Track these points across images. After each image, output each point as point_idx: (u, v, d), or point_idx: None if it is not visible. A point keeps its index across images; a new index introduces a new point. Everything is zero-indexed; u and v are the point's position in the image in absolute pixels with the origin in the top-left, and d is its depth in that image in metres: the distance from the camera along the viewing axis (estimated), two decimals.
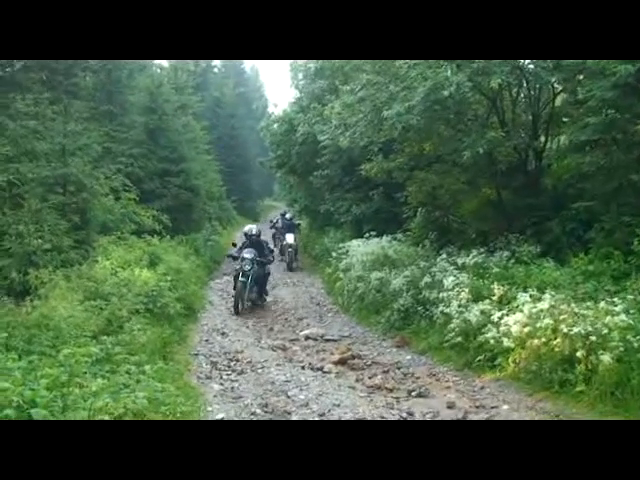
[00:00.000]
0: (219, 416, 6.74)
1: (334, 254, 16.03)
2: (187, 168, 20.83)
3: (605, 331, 6.80)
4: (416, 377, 8.64)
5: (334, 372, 8.91)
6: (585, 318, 7.13)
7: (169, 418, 5.37)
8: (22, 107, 12.00)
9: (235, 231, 28.22)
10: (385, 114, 11.11)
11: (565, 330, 7.08)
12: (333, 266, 16.03)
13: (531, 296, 8.17)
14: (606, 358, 6.53)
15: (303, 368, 9.14)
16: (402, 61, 10.94)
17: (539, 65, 10.58)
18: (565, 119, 12.87)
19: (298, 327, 12.51)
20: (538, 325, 7.49)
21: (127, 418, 4.82)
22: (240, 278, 13.48)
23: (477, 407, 7.17)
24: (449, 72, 10.22)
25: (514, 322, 7.83)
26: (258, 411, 7.04)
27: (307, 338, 11.38)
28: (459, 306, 9.37)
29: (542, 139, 12.61)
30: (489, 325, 8.40)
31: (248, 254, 13.83)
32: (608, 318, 6.97)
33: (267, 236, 23.26)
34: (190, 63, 36.48)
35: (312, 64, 23.48)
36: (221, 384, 8.21)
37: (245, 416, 6.86)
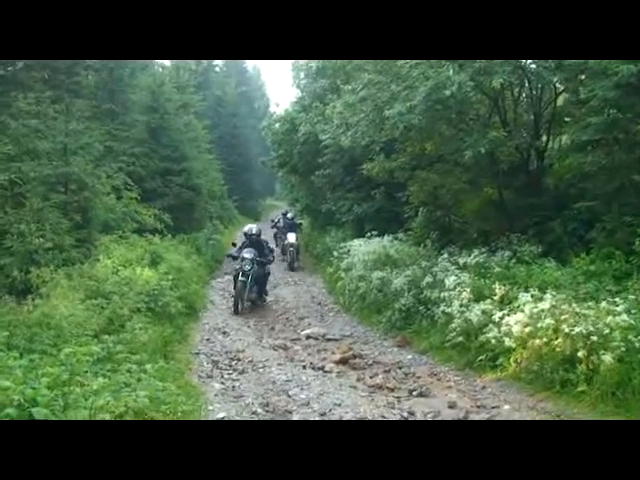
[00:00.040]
0: (220, 415, 6.73)
1: (335, 253, 16.03)
2: (189, 167, 20.84)
3: (606, 331, 6.80)
4: (417, 377, 8.64)
5: (335, 371, 8.90)
6: (586, 318, 7.13)
7: (170, 417, 5.38)
8: (24, 106, 12.02)
9: (236, 230, 28.19)
10: (387, 113, 11.11)
11: (566, 330, 7.07)
12: (334, 265, 16.03)
13: (532, 296, 8.17)
14: (607, 358, 6.53)
15: (304, 367, 9.14)
16: (404, 61, 10.93)
17: (541, 65, 10.57)
18: (567, 119, 12.86)
19: (299, 326, 12.50)
20: (539, 325, 7.49)
21: (128, 417, 4.83)
22: (240, 278, 13.41)
23: (478, 407, 7.17)
24: (451, 72, 10.21)
25: (515, 322, 7.83)
26: (259, 410, 7.04)
27: (308, 337, 11.38)
28: (460, 306, 9.36)
29: (544, 139, 12.59)
30: (490, 325, 8.39)
31: (248, 254, 13.76)
32: (609, 318, 6.96)
33: (268, 236, 23.29)
34: (192, 62, 36.42)
35: (314, 63, 23.48)
36: (222, 383, 8.21)
37: (246, 415, 6.86)
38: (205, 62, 42.15)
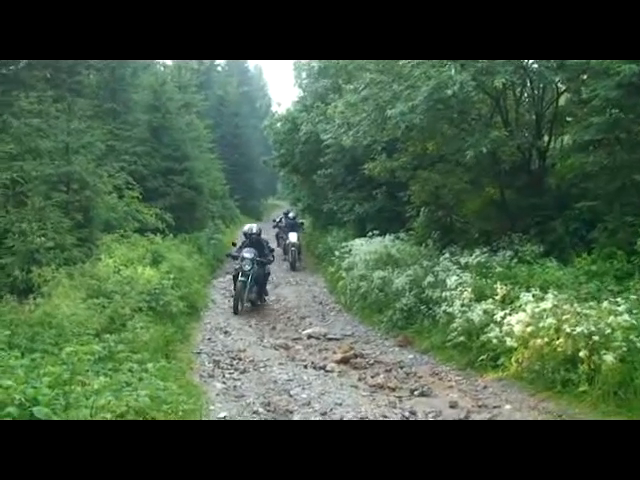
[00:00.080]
0: (221, 415, 6.74)
1: (337, 253, 16.01)
2: (190, 166, 20.83)
3: (608, 331, 6.79)
4: (419, 376, 8.64)
5: (336, 371, 8.90)
6: (588, 318, 7.12)
7: (171, 416, 5.38)
8: (26, 105, 12.04)
9: (238, 230, 28.14)
10: (388, 113, 11.10)
11: (568, 330, 7.07)
12: (336, 265, 16.02)
13: (534, 296, 8.16)
14: (609, 358, 6.52)
15: (305, 367, 9.14)
16: (406, 60, 10.92)
17: (543, 65, 10.57)
18: (569, 119, 12.85)
19: (301, 326, 12.50)
20: (541, 325, 7.48)
21: (129, 416, 4.83)
22: (240, 278, 13.31)
23: (479, 407, 7.17)
24: (453, 71, 10.21)
25: (517, 322, 7.82)
26: (260, 410, 7.04)
27: (310, 337, 11.38)
28: (462, 305, 9.36)
29: (546, 139, 12.59)
30: (492, 325, 8.39)
31: (248, 253, 13.65)
32: (611, 318, 6.95)
33: (270, 235, 23.28)
34: (194, 62, 36.41)
35: (316, 63, 23.51)
36: (223, 383, 8.21)
37: (247, 415, 6.86)
38: (207, 62, 42.10)
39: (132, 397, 5.08)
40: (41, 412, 4.14)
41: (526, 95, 13.48)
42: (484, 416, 6.80)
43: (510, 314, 8.13)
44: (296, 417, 6.83)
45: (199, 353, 9.81)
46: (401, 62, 11.27)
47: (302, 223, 23.54)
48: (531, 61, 10.93)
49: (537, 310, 7.73)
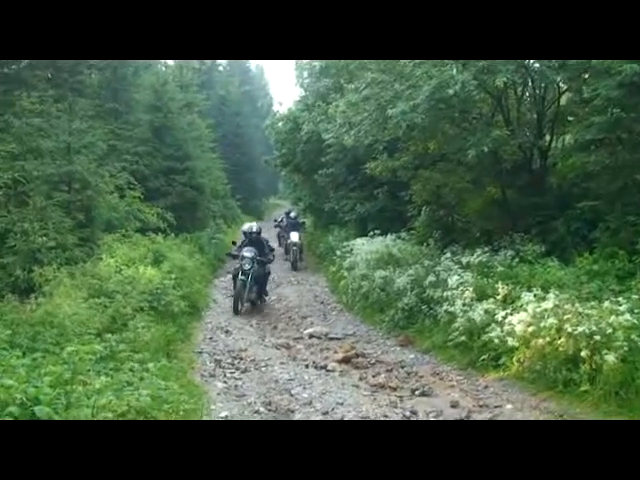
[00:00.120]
0: (223, 414, 6.74)
1: (338, 252, 16.00)
2: (192, 166, 20.83)
3: (609, 331, 6.78)
4: (420, 376, 8.63)
5: (338, 371, 8.91)
6: (589, 318, 7.11)
7: (172, 416, 5.39)
8: (27, 105, 12.04)
9: (239, 229, 28.17)
10: (390, 113, 11.09)
11: (569, 330, 7.06)
12: (337, 264, 16.02)
13: (535, 295, 8.16)
14: (610, 358, 6.52)
15: (307, 366, 9.14)
16: (407, 60, 10.92)
17: (544, 64, 10.56)
18: (570, 118, 12.85)
19: (302, 325, 12.50)
20: (542, 324, 7.47)
21: (130, 416, 4.83)
22: (240, 277, 13.19)
23: (481, 406, 7.16)
24: (454, 71, 10.22)
25: (518, 321, 7.82)
26: (262, 409, 7.05)
27: (311, 336, 11.38)
28: (463, 305, 9.35)
29: (547, 138, 12.59)
30: (493, 324, 8.38)
31: (248, 252, 13.55)
32: (612, 318, 6.94)
33: (271, 235, 23.30)
34: (195, 61, 36.42)
35: (317, 63, 23.50)
36: (225, 382, 8.22)
37: (248, 414, 6.87)
38: (208, 61, 42.11)
39: (133, 397, 5.08)
40: (42, 411, 4.15)
41: (527, 94, 13.47)
42: (485, 416, 6.79)
43: (511, 314, 8.13)
44: (297, 416, 6.83)
45: (200, 352, 9.81)
46: (402, 62, 11.28)
47: (303, 222, 23.52)
48: (532, 60, 10.91)
49: (538, 310, 7.72)
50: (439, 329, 10.05)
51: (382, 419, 6.67)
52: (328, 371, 8.88)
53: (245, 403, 7.27)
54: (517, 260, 10.55)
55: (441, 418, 6.82)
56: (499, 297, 8.96)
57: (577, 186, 11.63)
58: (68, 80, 15.31)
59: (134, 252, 13.03)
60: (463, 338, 9.01)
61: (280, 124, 25.55)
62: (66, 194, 11.40)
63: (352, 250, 14.81)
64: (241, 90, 46.46)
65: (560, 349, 7.16)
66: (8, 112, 11.69)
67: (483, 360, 8.43)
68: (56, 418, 4.19)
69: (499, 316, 8.27)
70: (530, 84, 12.61)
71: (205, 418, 6.33)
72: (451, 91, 10.05)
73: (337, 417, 6.74)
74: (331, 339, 11.20)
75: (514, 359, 7.84)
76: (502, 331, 8.08)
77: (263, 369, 8.93)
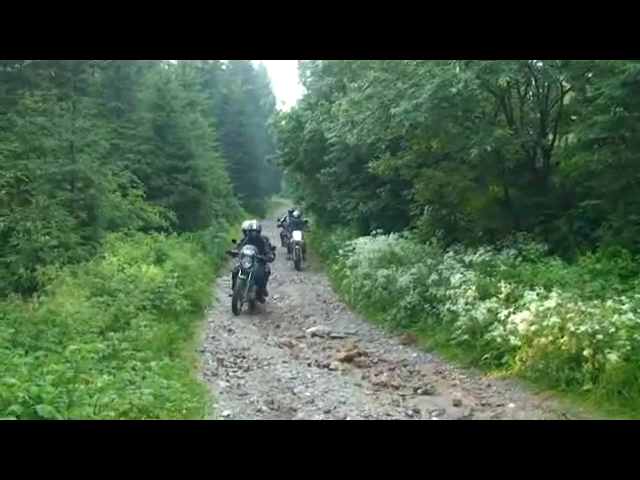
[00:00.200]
0: (225, 413, 6.74)
1: (341, 251, 15.99)
2: (194, 165, 20.84)
3: (612, 330, 6.77)
4: (422, 375, 8.63)
5: (340, 369, 8.91)
6: (592, 316, 7.10)
7: (174, 414, 5.39)
8: (30, 103, 12.07)
9: (241, 228, 28.20)
10: (392, 111, 11.08)
11: (572, 328, 7.05)
12: (340, 263, 16.01)
13: (538, 294, 8.14)
14: (613, 357, 6.51)
15: (309, 365, 9.14)
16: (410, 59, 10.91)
17: (547, 63, 10.52)
18: (573, 117, 12.82)
19: (304, 324, 12.50)
20: (545, 323, 7.47)
21: (132, 414, 4.84)
22: (239, 275, 12.97)
23: (483, 405, 7.16)
24: (457, 70, 10.20)
25: (521, 320, 7.81)
26: (264, 408, 7.05)
27: (313, 335, 11.38)
28: (466, 304, 9.35)
29: (550, 137, 12.58)
30: (496, 323, 8.38)
31: (248, 250, 13.32)
32: (615, 317, 6.93)
33: (274, 233, 23.29)
34: (198, 60, 36.43)
35: (320, 61, 23.44)
36: (227, 381, 8.22)
37: (251, 412, 6.87)
38: (211, 60, 42.15)
39: (135, 395, 5.09)
40: (44, 410, 4.15)
41: (531, 93, 13.47)
42: (488, 414, 6.79)
43: (514, 313, 8.12)
44: (300, 415, 6.83)
45: (203, 351, 9.82)
46: (405, 60, 11.25)
47: (306, 221, 23.49)
48: (536, 59, 10.89)
49: (541, 309, 7.72)
50: (442, 328, 10.05)
51: (384, 419, 6.67)
52: (330, 370, 8.89)
53: (247, 402, 7.28)
54: (520, 259, 10.54)
55: (444, 417, 6.82)
56: (502, 296, 8.96)
57: (580, 185, 11.61)
58: (71, 79, 15.32)
59: (137, 251, 13.05)
60: (466, 337, 9.00)
61: (283, 123, 25.56)
62: (69, 193, 11.41)
63: (354, 249, 14.81)
64: (244, 89, 46.46)
65: (563, 348, 7.16)
66: (11, 111, 11.70)
67: (486, 359, 8.42)
68: (58, 416, 4.19)
69: (502, 315, 8.27)
70: (533, 83, 12.59)
71: (207, 417, 6.34)
72: (454, 90, 10.03)
73: (339, 416, 6.74)
74: (333, 338, 11.20)
75: (517, 358, 7.83)
76: (505, 330, 8.07)
77: (265, 368, 8.93)
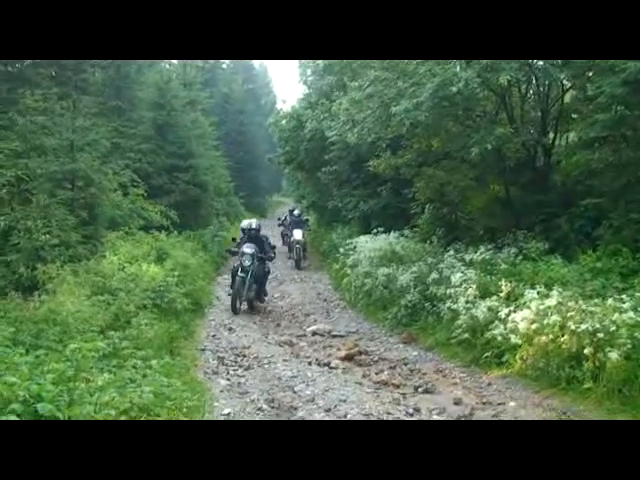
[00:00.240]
0: (226, 411, 6.74)
1: (342, 250, 16.00)
2: (195, 164, 20.83)
3: (613, 328, 6.77)
4: (423, 373, 8.63)
5: (341, 368, 8.91)
6: (593, 315, 7.10)
7: (175, 413, 5.39)
8: (31, 102, 12.08)
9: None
10: (393, 110, 11.08)
11: (573, 327, 7.05)
12: (340, 262, 16.01)
13: (539, 293, 8.14)
14: (614, 355, 6.51)
15: (310, 364, 9.15)
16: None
17: (548, 62, 10.52)
18: (574, 115, 12.83)
19: (305, 323, 12.51)
20: (545, 322, 7.46)
21: (133, 413, 4.84)
22: (239, 274, 12.82)
23: (484, 404, 7.16)
24: (458, 68, 10.20)
25: (521, 319, 7.81)
26: (264, 406, 7.05)
27: (314, 334, 11.38)
28: (466, 302, 9.35)
29: (551, 135, 12.57)
30: (496, 322, 8.37)
31: (248, 249, 13.18)
32: (616, 315, 6.93)
33: (275, 232, 23.30)
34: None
35: (320, 61, 23.43)
36: (228, 379, 8.23)
37: (251, 411, 6.87)
38: (212, 60, 42.16)
39: (136, 394, 5.10)
40: (45, 408, 4.15)
41: (531, 92, 13.47)
42: (488, 413, 6.79)
43: (515, 311, 8.12)
44: (300, 413, 6.83)
45: (203, 350, 9.82)
46: (406, 60, 11.25)
47: (307, 220, 23.47)
48: (536, 60, 10.89)
49: (542, 307, 7.71)
50: (442, 326, 10.05)
51: (385, 417, 6.67)
52: (331, 368, 8.89)
53: (248, 400, 7.28)
54: (520, 257, 10.54)
55: (444, 415, 6.82)
56: (502, 294, 8.96)
57: (581, 183, 11.61)
58: (72, 78, 15.36)
59: (137, 250, 13.05)
60: (466, 335, 9.01)
61: (283, 122, 25.55)
62: (69, 192, 11.42)
63: (355, 248, 14.82)
64: (244, 88, 46.44)
65: (563, 346, 7.16)
66: (12, 110, 11.73)
67: (486, 357, 8.43)
68: (59, 415, 4.20)
69: (502, 313, 8.26)
70: (534, 82, 12.58)
71: (208, 415, 6.34)
72: (454, 89, 10.03)
73: (340, 414, 6.74)
74: (334, 336, 11.21)
75: (517, 356, 7.83)
76: (505, 328, 8.07)
77: (266, 366, 8.93)
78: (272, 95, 63.96)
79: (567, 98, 12.78)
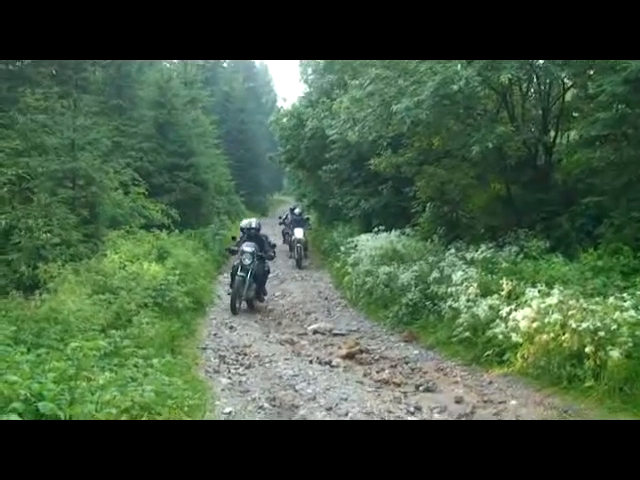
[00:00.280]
0: (227, 410, 6.75)
1: (343, 248, 16.02)
2: (196, 162, 20.82)
3: (614, 327, 6.78)
4: (424, 372, 8.64)
5: (342, 366, 8.91)
6: (594, 313, 7.11)
7: (176, 411, 5.39)
8: (32, 101, 12.06)
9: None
10: (394, 108, 11.07)
11: (574, 325, 7.06)
12: (341, 260, 16.03)
13: (540, 291, 8.14)
14: (615, 354, 6.51)
15: (311, 362, 9.15)
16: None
17: (549, 60, 10.51)
18: (575, 114, 12.84)
19: (306, 321, 12.51)
20: (547, 320, 7.47)
21: (134, 411, 4.84)
22: (239, 273, 12.77)
23: (485, 402, 7.16)
24: (459, 67, 10.19)
25: (522, 317, 7.81)
26: (266, 405, 7.06)
27: (315, 332, 11.39)
28: (467, 301, 9.35)
29: (552, 134, 12.56)
30: (497, 320, 8.37)
31: (248, 247, 13.13)
32: (617, 314, 6.94)
33: (276, 231, 23.29)
34: None
35: None
36: (229, 378, 8.23)
37: (252, 409, 6.87)
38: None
39: (137, 392, 5.09)
40: (46, 407, 4.15)
41: (532, 90, 13.45)
42: (489, 411, 6.80)
43: (516, 310, 8.11)
44: (301, 412, 6.83)
45: (205, 348, 9.83)
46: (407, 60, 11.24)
47: (308, 219, 23.45)
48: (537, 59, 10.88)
49: (543, 306, 7.71)
50: (443, 325, 10.06)
51: (386, 416, 6.67)
52: (332, 367, 8.89)
53: (249, 399, 7.28)
54: (521, 256, 10.53)
55: (445, 413, 6.83)
56: (503, 293, 8.95)
57: (582, 182, 11.61)
58: (72, 77, 15.35)
59: (138, 248, 13.04)
60: (467, 334, 9.01)
61: (284, 120, 25.53)
62: (70, 190, 11.41)
63: (356, 246, 14.83)
64: (245, 86, 46.40)
65: (564, 345, 7.16)
66: (13, 109, 11.72)
67: (487, 356, 8.43)
68: (60, 414, 4.20)
69: (503, 312, 8.26)
70: (535, 80, 12.57)
71: (209, 414, 6.34)
72: (455, 87, 10.03)
73: (341, 412, 6.75)
74: (335, 335, 11.21)
75: (518, 355, 7.83)
76: (506, 327, 8.07)
77: (267, 365, 8.93)
78: (273, 93, 63.94)
79: (568, 96, 12.77)
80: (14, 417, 3.97)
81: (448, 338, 9.59)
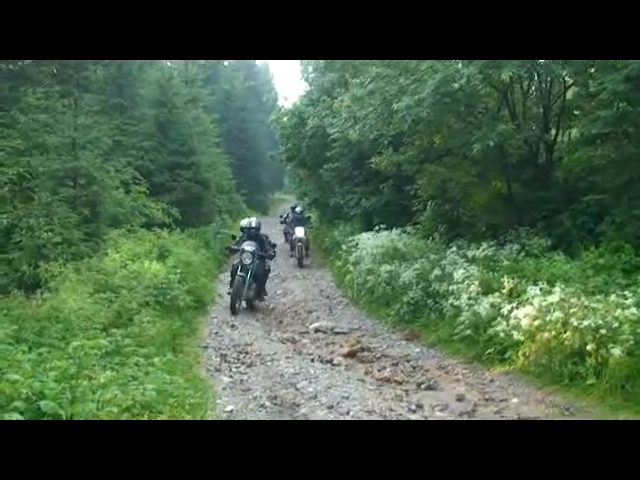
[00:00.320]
0: (228, 408, 6.75)
1: (344, 247, 16.01)
2: (197, 161, 20.84)
3: (615, 324, 6.78)
4: (425, 370, 8.64)
5: (343, 365, 8.91)
6: (595, 311, 7.10)
7: (178, 410, 5.39)
8: (33, 100, 12.07)
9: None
10: (395, 107, 11.07)
11: (575, 323, 7.05)
12: (343, 259, 16.01)
13: (541, 289, 8.14)
14: (616, 351, 6.51)
15: (312, 361, 9.15)
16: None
17: None
18: (576, 112, 12.83)
19: (308, 320, 12.51)
20: (548, 318, 7.46)
21: (135, 410, 4.84)
22: (239, 272, 12.68)
23: (486, 400, 7.16)
24: (460, 65, 10.20)
25: (524, 315, 7.81)
26: (267, 403, 7.06)
27: (317, 331, 11.39)
28: (469, 299, 9.35)
29: (553, 132, 12.55)
30: (499, 318, 8.37)
31: (248, 246, 13.07)
32: (619, 311, 6.94)
33: (276, 230, 23.28)
34: None
35: None
36: (230, 376, 8.23)
37: (254, 408, 6.88)
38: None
39: (139, 391, 5.09)
40: (48, 406, 4.15)
41: (533, 88, 13.44)
42: (491, 409, 6.80)
43: (517, 307, 8.11)
44: (303, 410, 6.83)
45: (206, 347, 9.83)
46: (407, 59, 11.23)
47: (309, 217, 23.42)
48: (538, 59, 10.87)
49: (544, 303, 7.71)
50: (445, 323, 10.06)
51: (388, 415, 6.67)
52: (334, 365, 8.89)
53: (251, 397, 7.28)
54: (523, 254, 10.52)
55: (447, 411, 6.83)
56: (505, 291, 8.95)
57: (583, 180, 11.60)
58: (73, 76, 15.34)
59: (139, 247, 13.05)
60: (469, 332, 9.01)
61: (285, 119, 25.51)
62: (72, 189, 11.43)
63: (357, 245, 14.82)
64: (246, 85, 46.38)
65: (566, 343, 7.16)
66: (14, 108, 11.72)
67: (489, 354, 8.42)
68: (61, 413, 4.20)
69: (505, 310, 8.26)
70: (536, 78, 12.57)
71: (210, 412, 6.34)
72: (456, 85, 10.02)
73: (342, 411, 6.74)
74: (337, 333, 11.21)
75: (520, 353, 7.83)
76: (508, 325, 8.07)
77: (269, 363, 8.93)
78: (274, 92, 63.88)
79: (569, 95, 12.76)
80: (16, 416, 3.97)
81: (449, 336, 9.60)
